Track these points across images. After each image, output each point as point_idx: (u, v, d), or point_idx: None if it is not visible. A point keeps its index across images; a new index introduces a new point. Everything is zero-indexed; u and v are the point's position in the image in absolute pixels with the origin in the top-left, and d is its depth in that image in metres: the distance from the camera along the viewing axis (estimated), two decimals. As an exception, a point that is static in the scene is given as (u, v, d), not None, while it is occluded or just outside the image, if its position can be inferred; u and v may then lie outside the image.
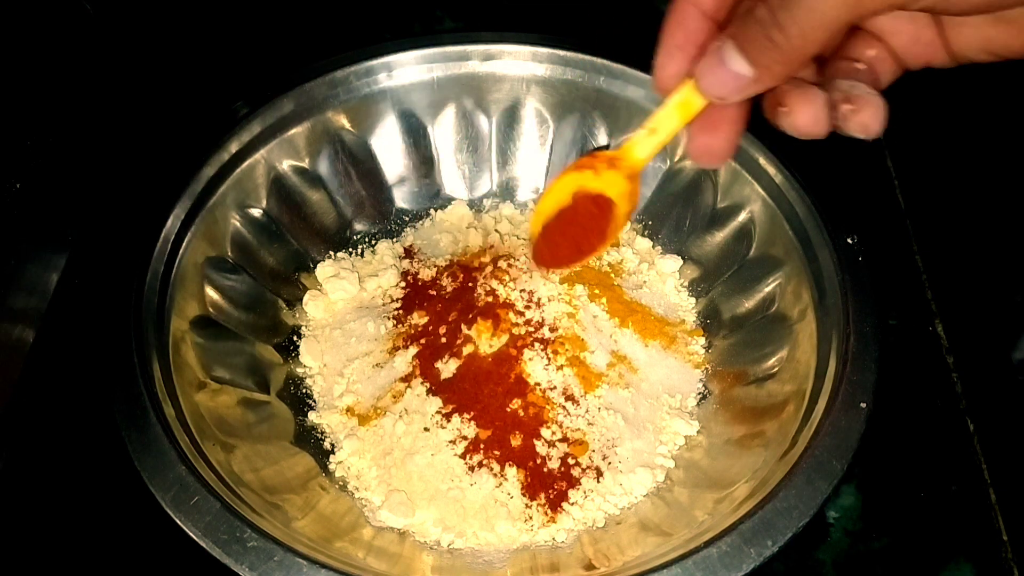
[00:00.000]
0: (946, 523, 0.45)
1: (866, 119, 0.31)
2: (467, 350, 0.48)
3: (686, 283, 0.55)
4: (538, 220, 0.38)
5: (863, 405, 0.41)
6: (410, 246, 0.56)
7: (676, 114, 0.33)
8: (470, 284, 0.51)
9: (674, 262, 0.55)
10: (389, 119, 0.56)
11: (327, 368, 0.51)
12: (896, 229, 0.57)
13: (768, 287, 0.50)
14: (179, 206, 0.48)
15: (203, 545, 0.37)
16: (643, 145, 0.35)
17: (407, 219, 0.58)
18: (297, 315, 0.53)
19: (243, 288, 0.51)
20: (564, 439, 0.46)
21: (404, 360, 0.49)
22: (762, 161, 0.50)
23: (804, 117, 0.31)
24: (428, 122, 0.57)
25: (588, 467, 0.45)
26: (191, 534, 0.37)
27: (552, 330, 0.48)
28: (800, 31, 0.28)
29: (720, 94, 0.31)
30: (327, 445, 0.48)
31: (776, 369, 0.47)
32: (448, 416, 0.46)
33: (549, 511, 0.44)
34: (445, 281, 0.52)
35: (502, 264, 0.51)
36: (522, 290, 0.50)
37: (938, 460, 0.48)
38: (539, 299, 0.50)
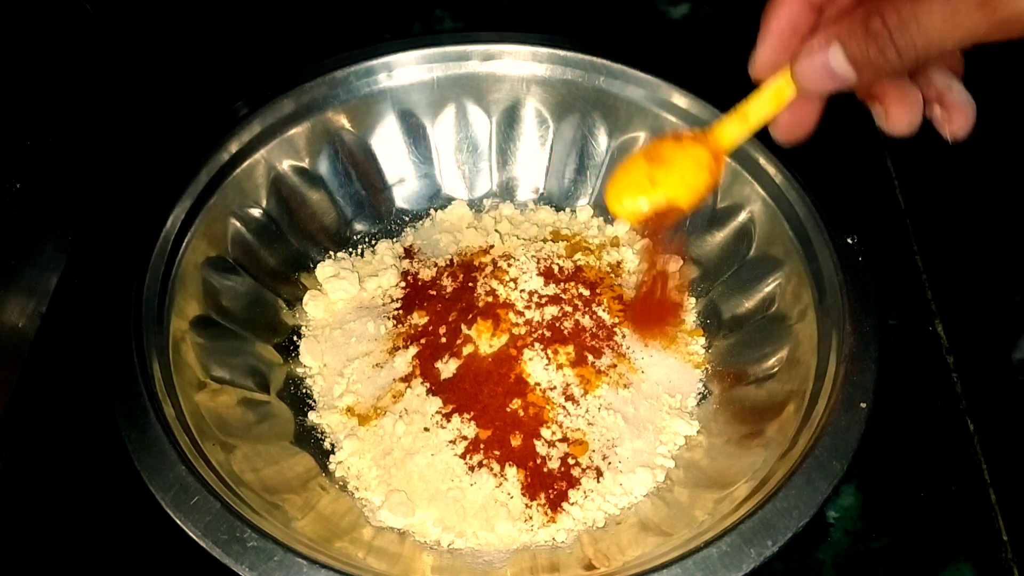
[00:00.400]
0: (946, 523, 0.45)
1: (956, 128, 0.32)
2: (467, 350, 0.48)
3: (686, 283, 0.55)
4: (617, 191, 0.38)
5: (863, 405, 0.41)
6: (410, 246, 0.56)
7: (769, 103, 0.34)
8: (470, 284, 0.51)
9: (674, 262, 0.55)
10: (389, 119, 0.56)
11: (327, 368, 0.51)
12: (896, 229, 0.57)
13: (768, 287, 0.50)
14: (179, 206, 0.48)
15: (203, 545, 0.37)
16: (733, 130, 0.35)
17: (407, 219, 0.58)
18: (297, 315, 0.53)
19: (243, 288, 0.51)
20: (564, 439, 0.46)
21: (404, 360, 0.49)
22: (762, 161, 0.50)
23: (900, 121, 0.32)
24: (428, 122, 0.57)
25: (588, 467, 0.45)
26: (191, 534, 0.37)
27: (551, 330, 0.48)
28: (915, 55, 0.28)
29: (817, 89, 0.32)
30: (327, 445, 0.48)
31: (776, 369, 0.47)
32: (448, 416, 0.46)
33: (549, 511, 0.44)
34: (445, 281, 0.53)
35: (502, 264, 0.51)
36: (522, 290, 0.50)
37: (938, 460, 0.48)
38: (539, 299, 0.50)
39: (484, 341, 0.48)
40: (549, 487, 0.45)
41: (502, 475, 0.45)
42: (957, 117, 0.32)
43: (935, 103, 0.33)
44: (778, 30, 0.33)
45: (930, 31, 0.27)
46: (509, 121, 0.57)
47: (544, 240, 0.55)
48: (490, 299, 0.49)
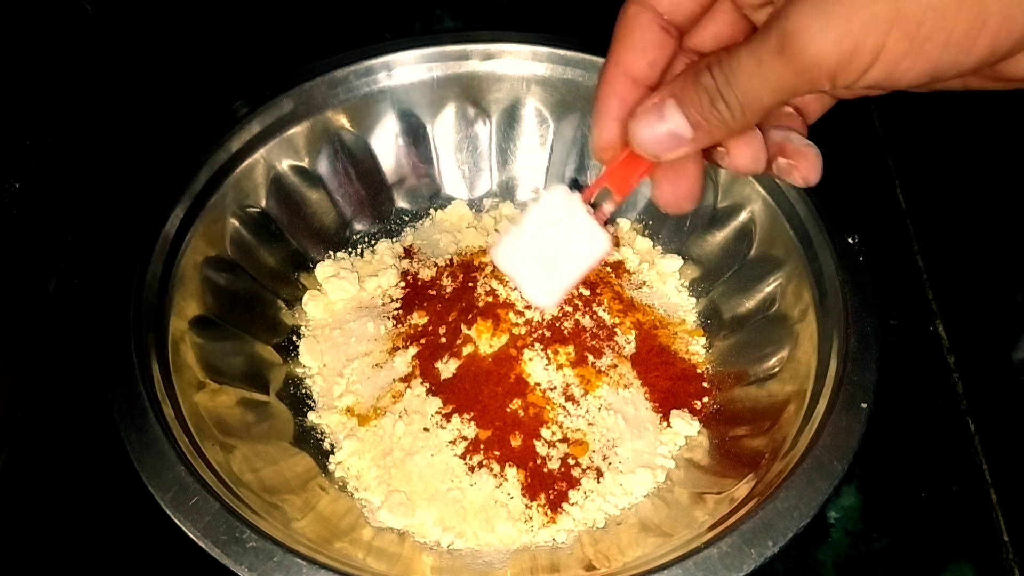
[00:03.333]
0: (947, 524, 0.45)
1: (805, 173, 0.32)
2: (467, 350, 0.48)
3: (687, 283, 0.55)
4: None
5: (864, 405, 0.41)
6: (410, 246, 0.56)
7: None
8: (470, 284, 0.51)
9: (674, 262, 0.55)
10: (389, 119, 0.56)
11: (327, 368, 0.51)
12: (897, 229, 0.57)
13: (769, 287, 0.50)
14: (179, 206, 0.48)
15: (202, 545, 0.37)
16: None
17: (407, 219, 0.58)
18: (297, 315, 0.53)
19: (243, 288, 0.50)
20: (564, 439, 0.46)
21: (404, 360, 0.49)
22: (762, 161, 0.50)
23: (743, 159, 0.32)
24: (428, 122, 0.57)
25: (588, 467, 0.45)
26: (190, 534, 0.37)
27: (551, 329, 0.48)
28: (742, 111, 0.28)
29: (655, 152, 0.31)
30: (327, 445, 0.48)
31: (777, 369, 0.47)
32: (448, 416, 0.46)
33: (549, 511, 0.44)
34: (445, 281, 0.52)
35: (502, 264, 0.51)
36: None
37: (939, 460, 0.47)
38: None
39: (484, 341, 0.48)
40: (549, 487, 0.44)
41: (502, 475, 0.45)
42: (802, 163, 0.32)
43: (777, 156, 0.32)
44: (609, 112, 0.32)
45: (748, 84, 0.27)
46: (509, 121, 0.57)
47: (544, 240, 0.55)
48: (490, 299, 0.49)
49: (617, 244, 0.56)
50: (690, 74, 0.29)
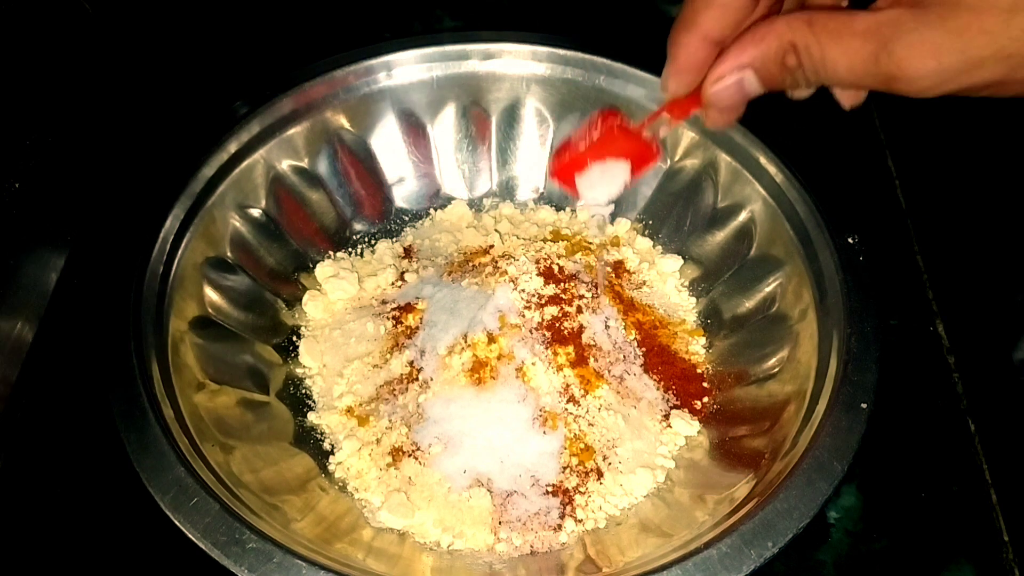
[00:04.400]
0: (947, 524, 0.45)
1: (849, 96, 0.35)
2: (467, 353, 0.48)
3: (687, 283, 0.55)
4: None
5: (864, 405, 0.41)
6: (410, 246, 0.56)
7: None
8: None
9: (675, 262, 0.55)
10: (389, 119, 0.56)
11: (327, 368, 0.51)
12: (897, 229, 0.57)
13: (769, 287, 0.50)
14: (178, 206, 0.48)
15: (202, 546, 0.37)
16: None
17: (407, 219, 0.58)
18: (297, 315, 0.53)
19: (242, 288, 0.50)
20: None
21: (403, 361, 0.49)
22: (763, 160, 0.50)
23: (801, 96, 0.35)
24: (428, 121, 0.57)
25: (589, 468, 0.45)
26: (190, 535, 0.37)
27: (551, 330, 0.48)
28: (819, 83, 0.32)
29: (727, 107, 0.35)
30: (327, 446, 0.47)
31: (777, 369, 0.47)
32: (448, 416, 0.46)
33: (549, 512, 0.44)
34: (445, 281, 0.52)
35: (502, 264, 0.51)
36: (522, 290, 0.50)
37: (939, 460, 0.47)
38: (539, 299, 0.49)
39: (482, 347, 0.48)
40: (549, 488, 0.44)
41: (502, 476, 0.44)
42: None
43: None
44: (684, 68, 0.35)
45: (832, 74, 0.31)
46: (509, 120, 0.57)
47: (544, 240, 0.55)
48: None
49: (617, 244, 0.56)
50: (772, 45, 0.31)
